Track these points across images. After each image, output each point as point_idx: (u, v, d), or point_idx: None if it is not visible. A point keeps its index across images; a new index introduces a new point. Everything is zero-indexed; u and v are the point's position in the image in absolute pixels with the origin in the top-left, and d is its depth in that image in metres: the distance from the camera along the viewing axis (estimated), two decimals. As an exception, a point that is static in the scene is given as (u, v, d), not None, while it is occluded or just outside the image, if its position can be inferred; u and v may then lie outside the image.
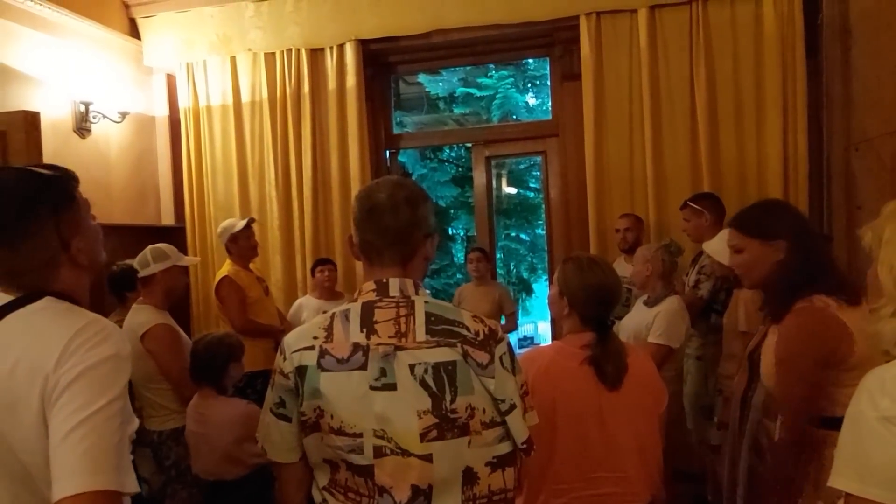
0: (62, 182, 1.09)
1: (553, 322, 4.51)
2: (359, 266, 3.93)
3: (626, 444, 1.60)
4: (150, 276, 2.63)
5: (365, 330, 1.16)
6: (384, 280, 1.20)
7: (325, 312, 1.25)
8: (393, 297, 1.19)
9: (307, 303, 3.75)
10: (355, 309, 1.19)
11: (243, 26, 4.00)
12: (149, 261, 2.64)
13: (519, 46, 4.08)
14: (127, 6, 4.11)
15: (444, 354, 1.15)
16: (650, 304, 2.74)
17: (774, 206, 1.89)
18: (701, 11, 3.44)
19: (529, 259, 9.95)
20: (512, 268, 10.04)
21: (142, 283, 2.66)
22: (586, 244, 3.64)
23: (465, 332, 1.17)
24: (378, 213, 1.21)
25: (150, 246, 2.70)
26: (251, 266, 3.56)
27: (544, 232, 4.50)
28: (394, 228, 1.20)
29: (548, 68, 4.16)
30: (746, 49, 3.43)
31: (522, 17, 3.65)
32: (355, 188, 3.92)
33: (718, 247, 2.78)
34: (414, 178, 8.74)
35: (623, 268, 3.10)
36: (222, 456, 2.23)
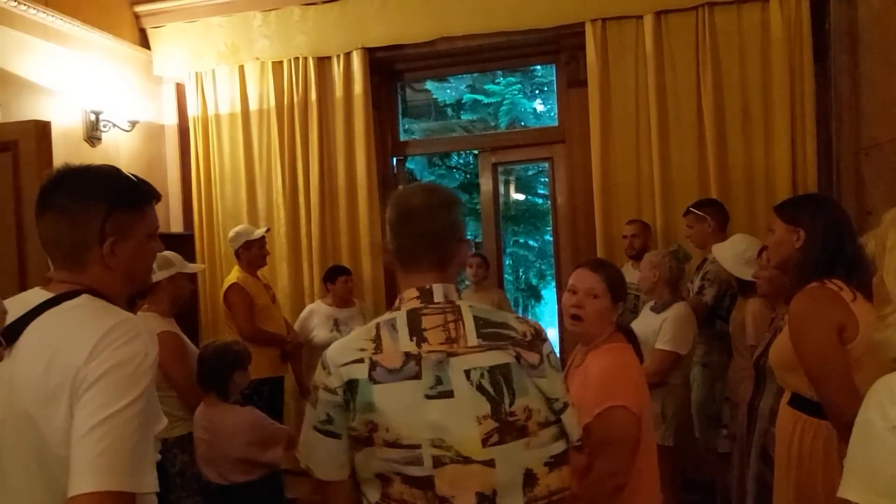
0: (137, 191, 1.16)
1: (561, 328, 4.49)
2: (366, 273, 3.94)
3: None
4: (156, 284, 2.63)
5: (415, 338, 1.14)
6: (427, 286, 1.18)
7: (360, 324, 1.25)
8: (438, 304, 1.17)
9: (318, 309, 3.73)
10: (401, 317, 1.16)
11: (251, 36, 4.03)
12: (153, 269, 2.65)
13: (525, 53, 4.08)
14: (137, 17, 4.16)
15: (497, 358, 1.14)
16: (657, 310, 2.72)
17: (813, 200, 1.95)
18: (707, 17, 3.42)
19: (538, 265, 9.90)
20: (521, 274, 10.00)
21: (147, 290, 2.67)
22: (593, 250, 3.63)
23: (513, 333, 1.17)
24: (415, 217, 1.20)
25: None
26: (258, 274, 3.57)
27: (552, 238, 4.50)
28: (430, 233, 1.19)
29: (555, 74, 4.16)
30: (753, 54, 3.40)
31: (528, 24, 3.65)
32: (362, 195, 3.93)
33: (727, 253, 2.75)
34: (422, 184, 8.73)
35: (630, 274, 3.08)
36: (233, 462, 2.25)
